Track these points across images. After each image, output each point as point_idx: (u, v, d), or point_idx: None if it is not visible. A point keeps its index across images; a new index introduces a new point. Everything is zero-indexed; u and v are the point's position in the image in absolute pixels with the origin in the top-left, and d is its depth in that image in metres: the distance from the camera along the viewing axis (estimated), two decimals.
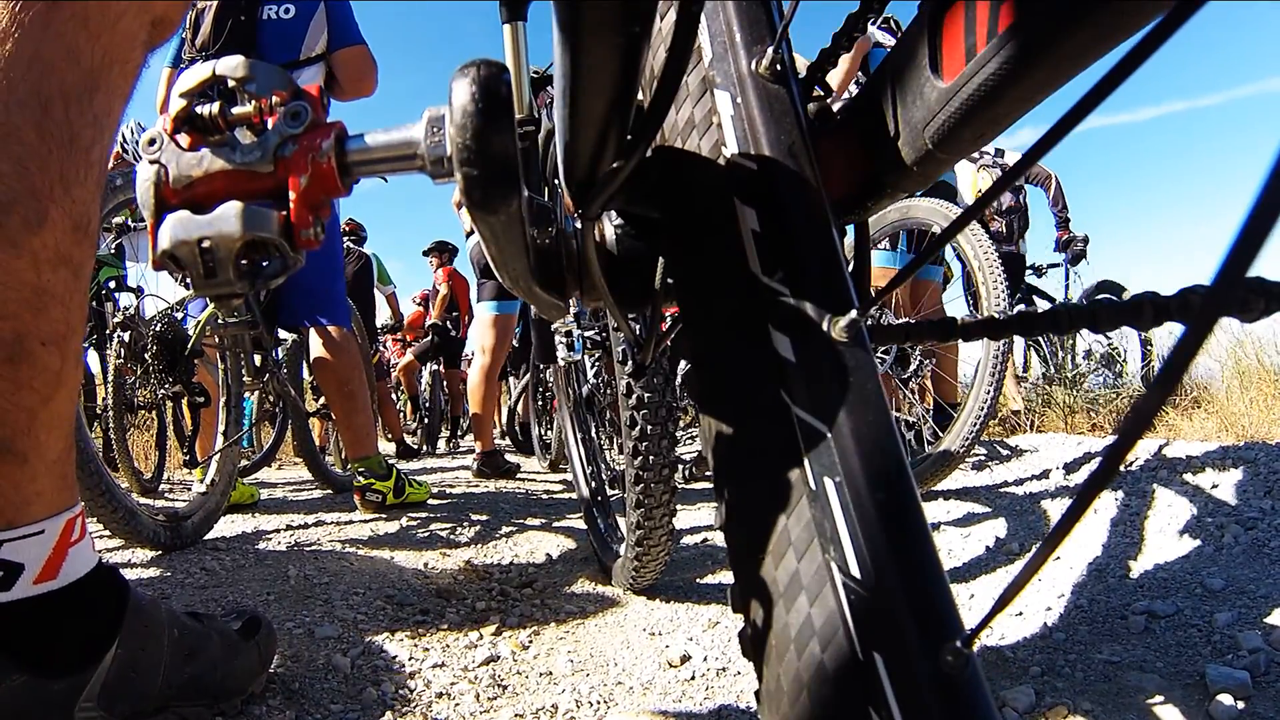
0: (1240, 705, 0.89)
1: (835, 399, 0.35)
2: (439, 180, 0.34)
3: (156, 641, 0.77)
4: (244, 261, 0.34)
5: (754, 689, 1.08)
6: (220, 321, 2.10)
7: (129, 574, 1.46)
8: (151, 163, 0.35)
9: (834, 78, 2.84)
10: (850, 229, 0.49)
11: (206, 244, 0.33)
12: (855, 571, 0.32)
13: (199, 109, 0.35)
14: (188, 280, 0.34)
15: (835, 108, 0.46)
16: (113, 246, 2.57)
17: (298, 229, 0.34)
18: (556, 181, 0.63)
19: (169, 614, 0.80)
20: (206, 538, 1.87)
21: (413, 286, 11.20)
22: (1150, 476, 1.78)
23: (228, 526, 2.12)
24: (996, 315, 0.29)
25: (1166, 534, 1.48)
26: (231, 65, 0.36)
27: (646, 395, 1.22)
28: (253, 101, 0.35)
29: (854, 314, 0.35)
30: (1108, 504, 1.71)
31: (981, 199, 0.31)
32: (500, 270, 0.47)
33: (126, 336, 1.85)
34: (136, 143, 4.09)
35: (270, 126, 0.35)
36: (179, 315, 2.01)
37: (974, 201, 0.30)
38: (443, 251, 6.82)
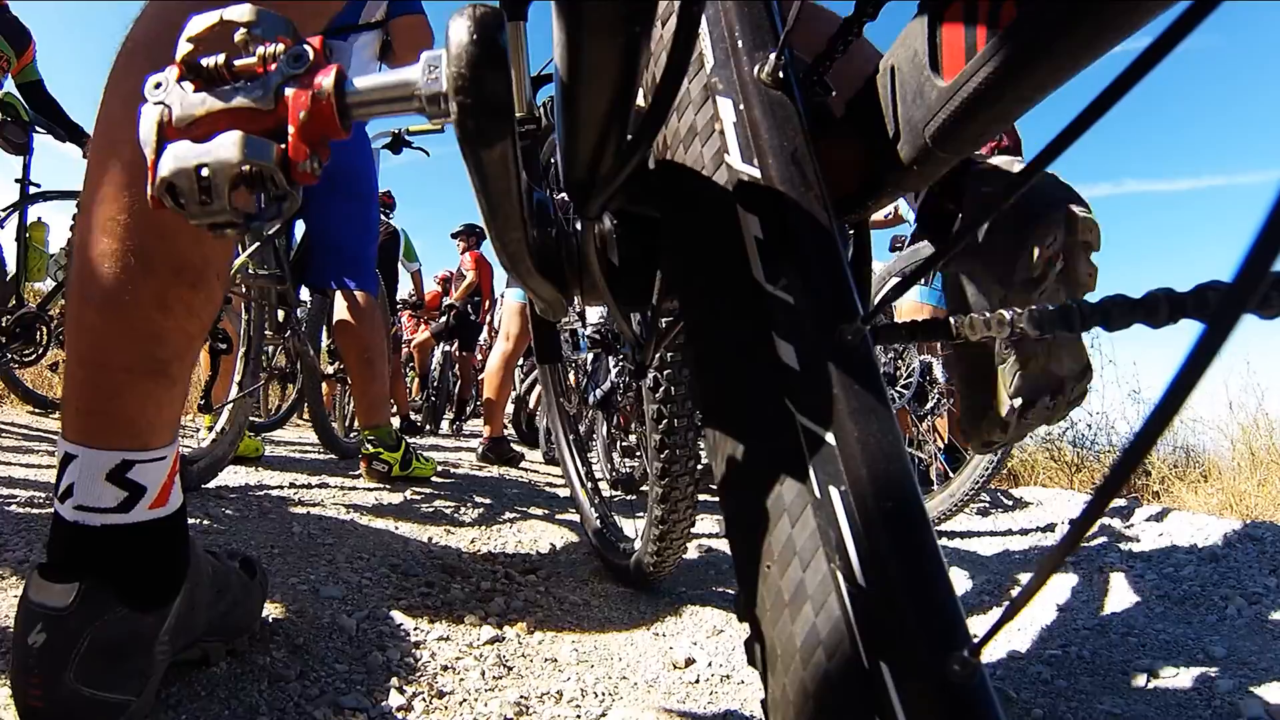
0: None
1: (840, 407, 0.34)
2: (435, 120, 0.35)
3: (204, 577, 0.77)
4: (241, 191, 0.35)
5: (758, 699, 1.06)
6: (251, 272, 2.11)
7: None
8: (156, 104, 0.35)
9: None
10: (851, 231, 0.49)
11: (205, 171, 0.34)
12: (861, 580, 0.31)
13: (204, 61, 0.35)
14: (186, 211, 0.35)
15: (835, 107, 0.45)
16: None
17: (295, 161, 0.34)
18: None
19: (199, 551, 0.81)
20: (210, 485, 1.86)
21: (435, 266, 11.20)
22: (1156, 543, 1.79)
23: (231, 477, 2.09)
24: (1005, 314, 0.28)
25: (1171, 598, 1.48)
26: (239, 11, 0.37)
27: (674, 389, 1.23)
28: (257, 52, 0.36)
29: (858, 322, 0.35)
30: (1111, 564, 1.72)
31: (971, 221, 0.30)
32: (496, 241, 0.47)
33: None
34: None
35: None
36: None
37: (963, 225, 0.30)
38: (471, 235, 6.73)
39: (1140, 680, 1.13)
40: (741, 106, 0.43)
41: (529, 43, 0.54)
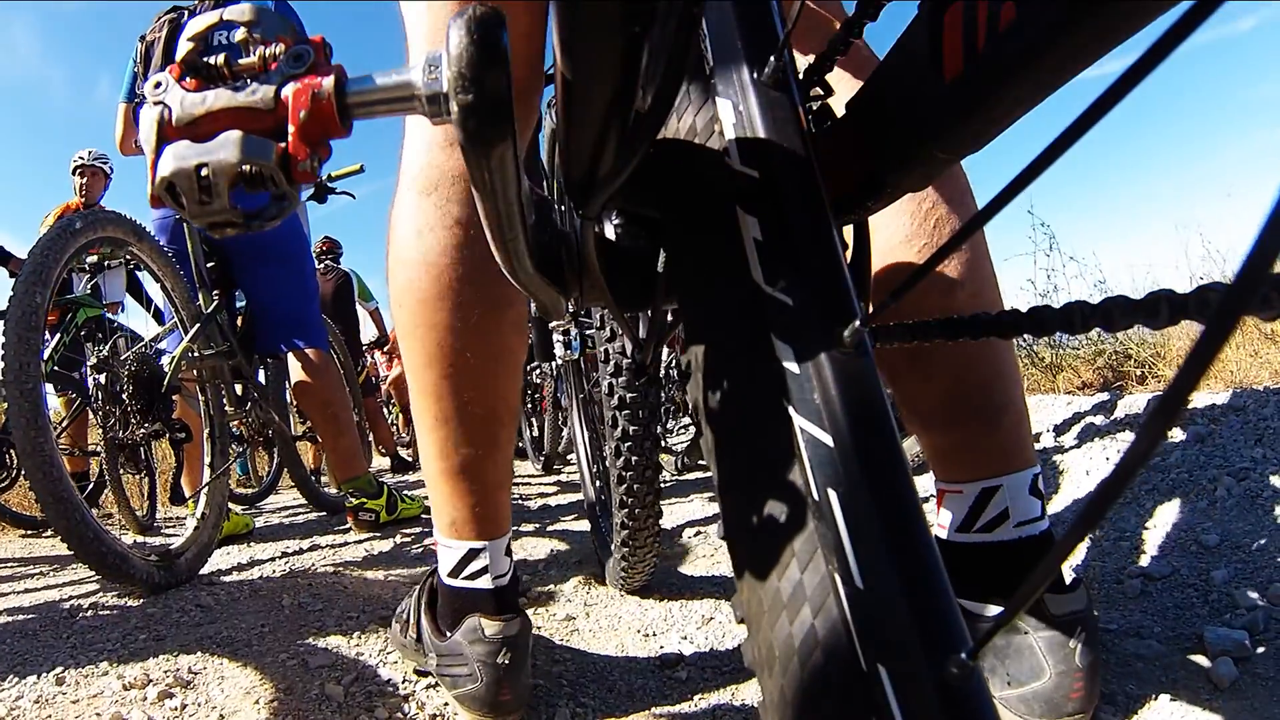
0: (1240, 665, 0.88)
1: (838, 409, 0.34)
2: (436, 121, 0.35)
3: None
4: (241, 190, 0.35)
5: (748, 686, 1.03)
6: (196, 355, 2.08)
7: (124, 616, 1.46)
8: (156, 104, 0.35)
9: None
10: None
11: (205, 171, 0.33)
12: (859, 583, 0.31)
13: (206, 58, 0.35)
14: (186, 210, 0.35)
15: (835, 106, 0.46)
16: (89, 287, 2.54)
17: (295, 160, 0.34)
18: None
19: None
20: (202, 572, 1.85)
21: None
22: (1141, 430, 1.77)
23: (223, 558, 2.10)
24: (1007, 314, 0.29)
25: (1160, 490, 1.47)
26: (240, 11, 0.36)
27: (629, 395, 1.21)
28: (258, 51, 0.35)
29: (857, 323, 0.35)
30: (1099, 464, 1.70)
31: (982, 213, 0.30)
32: (496, 243, 0.46)
33: (103, 379, 1.85)
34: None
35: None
36: (154, 352, 2.00)
37: (974, 215, 0.30)
38: None
39: (1135, 586, 1.13)
40: (741, 107, 0.42)
41: None
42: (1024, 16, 0.31)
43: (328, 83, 0.34)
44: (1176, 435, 1.68)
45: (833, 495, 0.33)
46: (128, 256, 1.90)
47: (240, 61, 0.35)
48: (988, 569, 0.80)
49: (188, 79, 0.35)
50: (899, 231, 0.82)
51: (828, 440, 0.34)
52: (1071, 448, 1.89)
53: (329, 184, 2.98)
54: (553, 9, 0.34)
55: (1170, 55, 0.21)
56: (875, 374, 0.36)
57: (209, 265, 2.30)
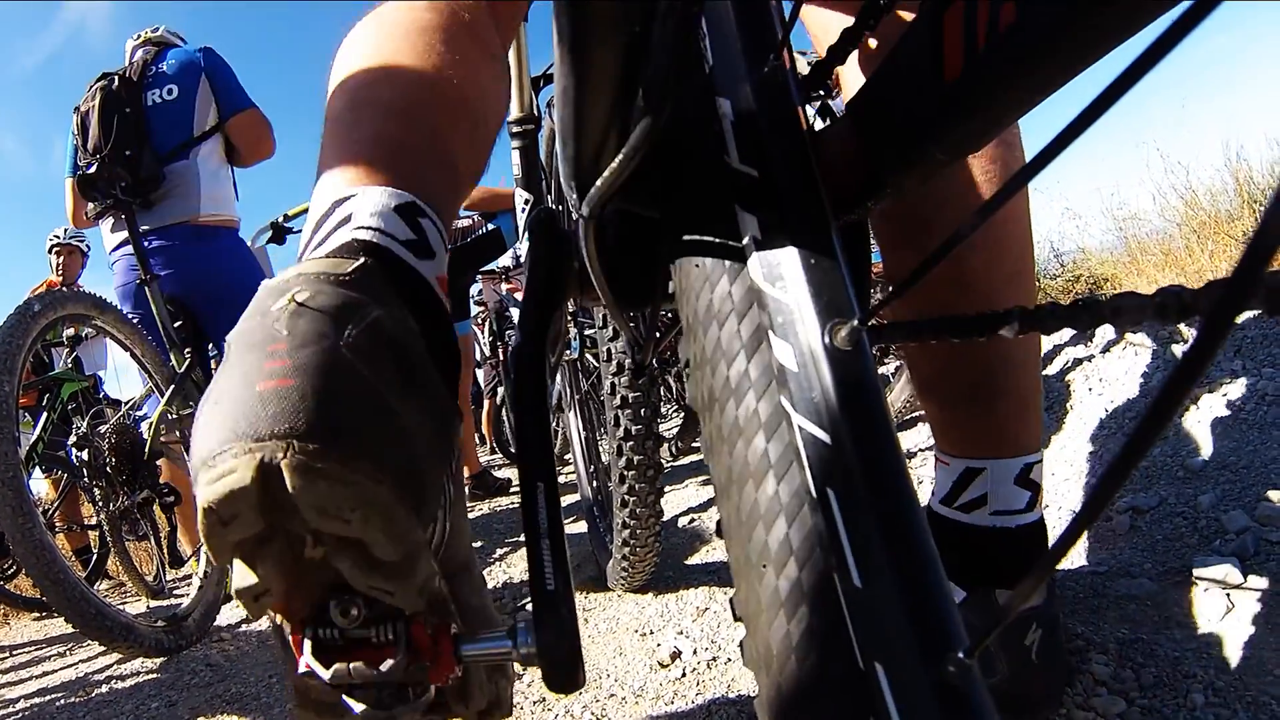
0: (1232, 594, 0.87)
1: (837, 407, 0.34)
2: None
3: None
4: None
5: (745, 676, 1.03)
6: (174, 416, 2.07)
7: (138, 685, 1.47)
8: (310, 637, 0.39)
9: None
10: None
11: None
12: (857, 581, 0.31)
13: (326, 634, 0.38)
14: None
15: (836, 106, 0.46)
16: (69, 361, 2.49)
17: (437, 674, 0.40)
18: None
19: None
20: (215, 625, 1.86)
21: None
22: (1119, 359, 1.73)
23: (232, 614, 2.09)
24: (1013, 311, 0.29)
25: (1142, 414, 1.48)
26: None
27: (631, 395, 1.21)
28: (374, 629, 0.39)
29: (855, 322, 0.35)
30: (1081, 395, 1.67)
31: (987, 205, 0.30)
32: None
33: (85, 455, 1.84)
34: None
35: None
36: (133, 420, 1.99)
37: (980, 207, 0.30)
38: None
39: (1124, 522, 1.11)
40: (740, 105, 0.42)
41: (529, 43, 0.52)
42: (1024, 17, 0.31)
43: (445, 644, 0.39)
44: (1155, 354, 1.63)
45: (831, 494, 0.33)
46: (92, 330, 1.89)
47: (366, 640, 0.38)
48: (958, 549, 0.79)
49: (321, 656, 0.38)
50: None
51: (826, 439, 0.34)
52: (1053, 379, 1.87)
53: (285, 224, 2.93)
54: (553, 9, 0.34)
55: (1170, 55, 0.22)
56: (875, 373, 0.36)
57: (176, 324, 2.29)
